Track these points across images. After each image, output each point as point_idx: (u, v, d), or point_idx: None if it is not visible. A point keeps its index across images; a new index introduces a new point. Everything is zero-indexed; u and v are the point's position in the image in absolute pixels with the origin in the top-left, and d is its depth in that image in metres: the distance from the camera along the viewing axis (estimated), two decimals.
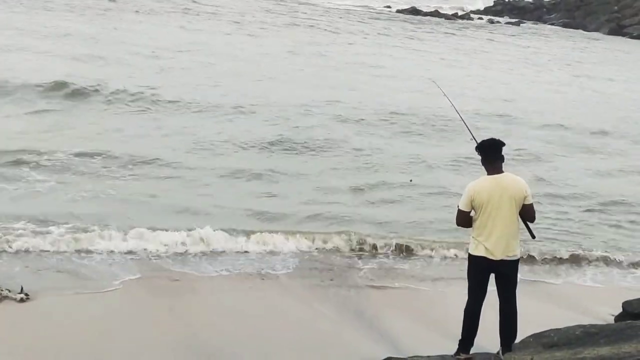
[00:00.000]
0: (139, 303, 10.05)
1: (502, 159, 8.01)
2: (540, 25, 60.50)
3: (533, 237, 8.39)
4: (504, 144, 8.06)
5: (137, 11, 43.49)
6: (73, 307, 9.77)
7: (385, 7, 64.63)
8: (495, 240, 7.85)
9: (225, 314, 10.00)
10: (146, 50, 30.20)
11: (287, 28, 44.30)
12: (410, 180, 14.52)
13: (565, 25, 59.66)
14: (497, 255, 7.88)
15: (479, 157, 8.17)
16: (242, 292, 10.78)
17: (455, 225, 8.36)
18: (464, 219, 8.04)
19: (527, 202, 7.96)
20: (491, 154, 8.00)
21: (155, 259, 11.53)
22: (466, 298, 8.23)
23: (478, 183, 7.97)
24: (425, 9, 62.12)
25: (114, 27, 36.10)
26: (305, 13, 53.20)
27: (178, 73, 26.48)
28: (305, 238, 12.71)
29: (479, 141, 8.20)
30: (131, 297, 10.19)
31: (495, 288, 8.16)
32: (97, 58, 27.24)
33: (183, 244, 12.00)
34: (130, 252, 11.59)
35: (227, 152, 17.64)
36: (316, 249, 12.53)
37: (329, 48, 37.61)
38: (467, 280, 8.25)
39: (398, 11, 61.80)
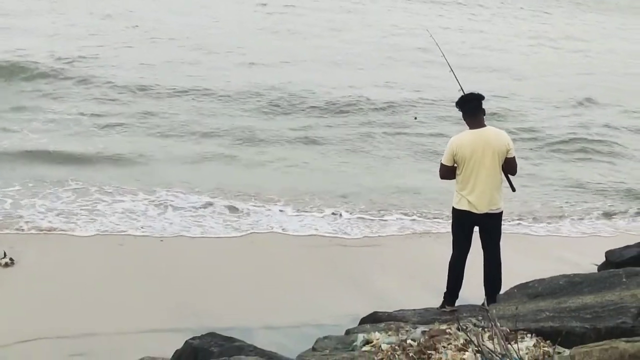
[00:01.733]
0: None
1: (483, 112, 7.98)
2: None
3: (514, 189, 8.43)
4: (483, 97, 8.01)
5: None
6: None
7: None
8: (479, 193, 7.87)
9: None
10: None
11: None
12: (415, 118, 14.61)
13: None
14: (481, 208, 7.90)
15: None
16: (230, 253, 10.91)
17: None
18: (447, 172, 8.05)
19: (509, 156, 7.95)
20: (471, 108, 7.96)
21: None
22: (450, 251, 8.28)
23: (460, 137, 7.96)
24: None
25: None
26: None
27: None
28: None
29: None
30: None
31: (479, 241, 8.22)
32: None
33: None
34: None
35: None
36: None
37: None
38: (451, 233, 8.30)
39: None
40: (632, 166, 17.05)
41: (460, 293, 8.26)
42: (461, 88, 8.42)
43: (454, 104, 8.17)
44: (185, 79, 21.87)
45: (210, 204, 12.64)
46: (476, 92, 8.06)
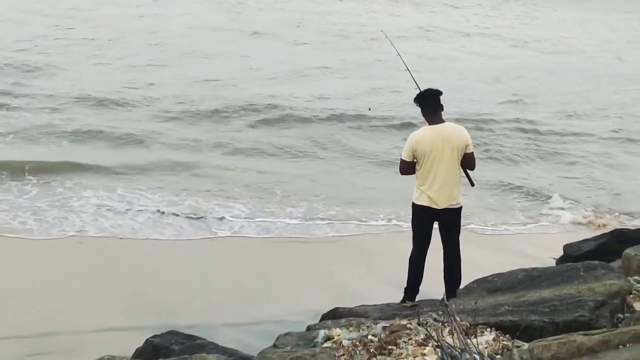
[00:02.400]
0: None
1: (441, 108, 8.03)
2: None
3: (473, 184, 8.49)
4: (441, 93, 8.03)
5: None
6: None
7: None
8: (438, 189, 7.91)
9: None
10: None
11: None
12: (369, 109, 14.58)
13: None
14: (440, 204, 7.95)
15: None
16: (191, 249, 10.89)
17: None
18: (407, 168, 8.07)
19: (468, 151, 8.01)
20: (431, 104, 8.00)
21: None
22: (410, 247, 8.32)
23: (419, 133, 7.99)
24: None
25: None
26: None
27: None
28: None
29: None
30: None
31: (439, 236, 8.26)
32: None
33: None
34: None
35: None
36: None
37: None
38: (411, 229, 8.33)
39: None
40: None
41: (421, 288, 8.29)
42: (417, 87, 8.43)
43: (413, 100, 8.17)
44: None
45: (171, 205, 12.57)
46: (434, 88, 8.09)
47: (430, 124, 7.96)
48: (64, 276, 9.64)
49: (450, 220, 8.09)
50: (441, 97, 8.00)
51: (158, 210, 12.30)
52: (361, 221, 12.59)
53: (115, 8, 37.38)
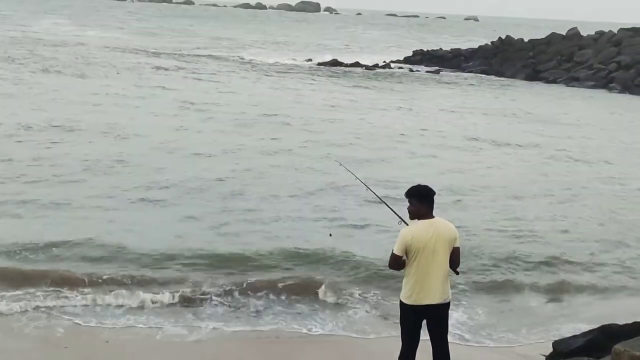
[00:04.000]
0: None
1: (432, 204, 8.15)
2: (459, 73, 61.49)
3: (457, 273, 8.47)
4: (434, 192, 8.21)
5: None
6: None
7: (306, 60, 64.77)
8: (432, 284, 7.94)
9: None
10: None
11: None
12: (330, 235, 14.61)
13: (482, 72, 60.75)
14: (434, 299, 7.96)
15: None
16: None
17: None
18: (397, 263, 8.08)
19: (456, 245, 8.12)
20: (427, 200, 8.11)
21: None
22: (399, 346, 8.24)
23: (413, 229, 8.04)
24: (346, 62, 62.43)
25: None
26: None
27: None
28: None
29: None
30: None
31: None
32: None
33: None
34: None
35: None
36: None
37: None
38: (400, 327, 8.27)
39: (319, 64, 61.98)
40: None
41: None
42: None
43: (406, 194, 8.24)
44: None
45: None
46: (429, 186, 8.24)
47: (421, 219, 8.04)
48: None
49: (440, 317, 8.10)
50: None
51: None
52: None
53: None
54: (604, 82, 52.93)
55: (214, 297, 12.20)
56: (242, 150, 23.88)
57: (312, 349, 10.78)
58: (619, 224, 17.90)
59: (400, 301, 8.12)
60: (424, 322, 8.15)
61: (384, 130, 29.43)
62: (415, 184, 8.38)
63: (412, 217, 8.14)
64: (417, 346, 8.14)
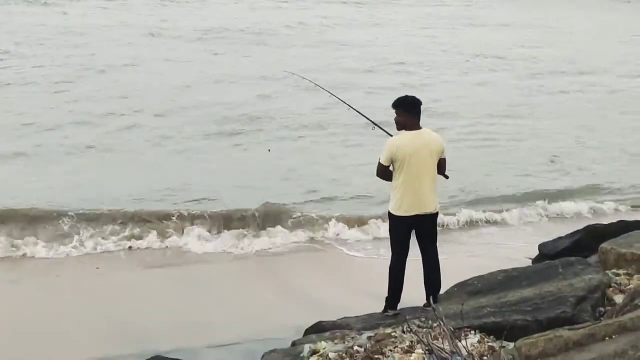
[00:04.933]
0: None
1: (419, 115, 8.10)
2: None
3: (447, 177, 8.46)
4: (421, 102, 8.15)
5: None
6: None
7: None
8: (421, 195, 7.93)
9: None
10: None
11: None
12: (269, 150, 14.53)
13: None
14: (422, 209, 7.98)
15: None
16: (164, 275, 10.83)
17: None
18: (384, 173, 8.08)
19: (443, 156, 8.08)
20: (414, 110, 8.03)
21: None
22: (389, 256, 8.32)
23: (400, 138, 7.98)
24: None
25: None
26: None
27: None
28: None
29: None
30: None
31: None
32: None
33: None
34: None
35: None
36: None
37: None
38: (389, 238, 8.35)
39: None
40: None
41: (402, 296, 8.29)
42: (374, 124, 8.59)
43: (392, 105, 8.17)
44: None
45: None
46: (415, 96, 8.18)
47: (410, 129, 8.00)
48: (40, 308, 9.50)
49: (429, 226, 8.13)
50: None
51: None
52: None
53: None
54: None
55: None
56: None
57: None
58: None
59: (389, 212, 8.14)
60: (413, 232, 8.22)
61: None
62: (403, 95, 8.32)
63: (399, 128, 8.06)
64: (407, 255, 8.19)
